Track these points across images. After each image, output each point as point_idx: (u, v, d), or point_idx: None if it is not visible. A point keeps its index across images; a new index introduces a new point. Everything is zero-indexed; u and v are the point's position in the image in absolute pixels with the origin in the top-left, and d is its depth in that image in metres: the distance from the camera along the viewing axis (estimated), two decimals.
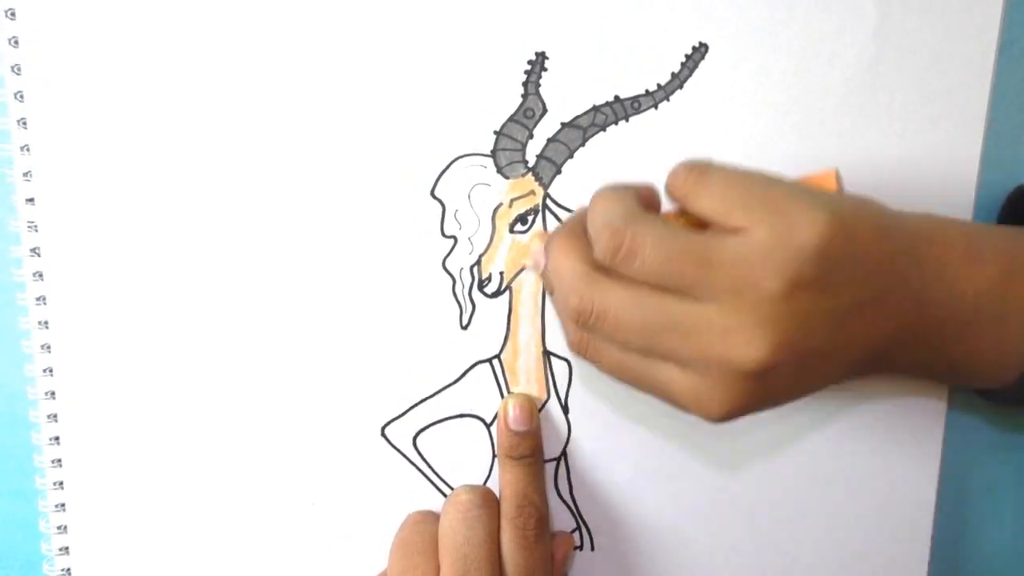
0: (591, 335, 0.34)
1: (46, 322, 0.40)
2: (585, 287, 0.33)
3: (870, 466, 0.43)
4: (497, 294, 0.41)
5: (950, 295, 0.33)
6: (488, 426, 0.42)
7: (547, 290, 0.37)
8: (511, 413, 0.40)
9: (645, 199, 0.35)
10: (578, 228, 0.35)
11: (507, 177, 0.40)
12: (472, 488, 0.41)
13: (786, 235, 0.30)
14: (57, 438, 0.41)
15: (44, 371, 0.40)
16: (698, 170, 0.33)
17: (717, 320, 0.30)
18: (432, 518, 0.41)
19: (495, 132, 0.40)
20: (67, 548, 0.42)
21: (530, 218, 0.40)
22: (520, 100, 0.39)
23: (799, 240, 0.30)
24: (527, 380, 0.42)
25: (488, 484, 0.42)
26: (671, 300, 0.31)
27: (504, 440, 0.40)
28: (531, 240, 0.40)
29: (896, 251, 0.32)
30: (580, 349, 0.35)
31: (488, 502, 0.40)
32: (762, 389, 0.31)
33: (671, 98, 0.39)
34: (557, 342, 0.42)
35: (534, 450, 0.40)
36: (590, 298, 0.32)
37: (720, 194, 0.32)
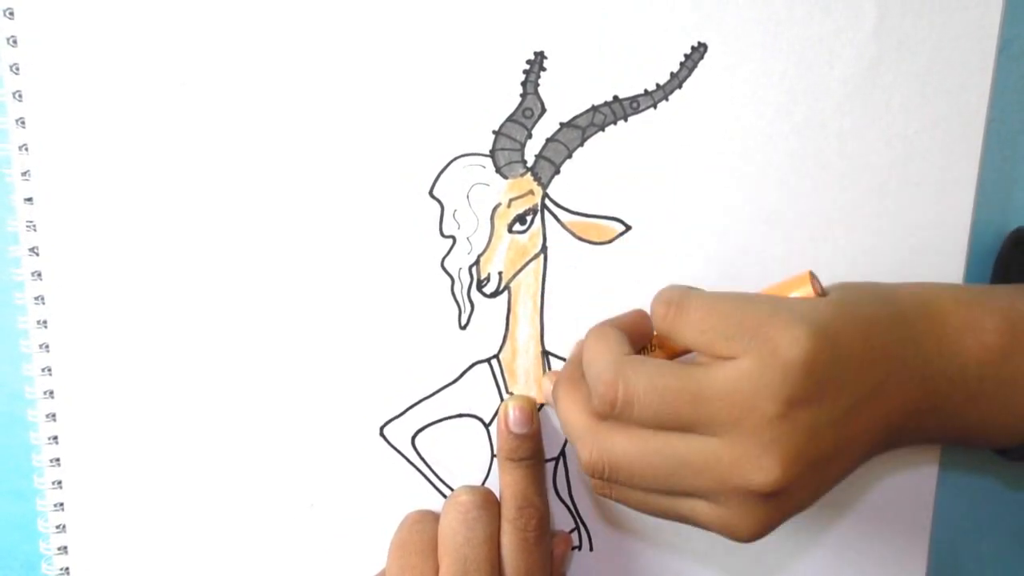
0: (611, 483, 0.34)
1: (45, 321, 0.40)
2: (593, 441, 0.34)
3: (869, 469, 0.43)
4: (496, 294, 0.41)
5: (952, 367, 0.34)
6: (487, 426, 0.42)
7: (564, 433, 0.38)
8: (511, 415, 0.40)
9: (635, 330, 0.36)
10: (577, 375, 0.36)
11: (506, 177, 0.40)
12: (472, 489, 0.40)
13: (771, 358, 0.31)
14: (56, 437, 0.41)
15: (43, 370, 0.40)
16: (675, 306, 0.33)
17: (724, 453, 0.31)
18: (431, 518, 0.41)
19: (494, 132, 0.40)
20: (65, 547, 0.42)
21: (529, 218, 0.40)
22: (519, 100, 0.39)
23: (784, 361, 0.31)
24: (526, 380, 0.42)
25: (487, 483, 0.42)
26: (676, 440, 0.32)
27: (504, 443, 0.40)
28: (543, 380, 0.41)
29: (888, 338, 0.33)
30: (605, 495, 0.36)
31: (488, 503, 0.40)
32: (784, 504, 0.32)
33: (670, 98, 0.39)
34: (556, 342, 0.42)
35: (535, 452, 0.40)
36: (599, 453, 0.33)
37: (699, 327, 0.33)
